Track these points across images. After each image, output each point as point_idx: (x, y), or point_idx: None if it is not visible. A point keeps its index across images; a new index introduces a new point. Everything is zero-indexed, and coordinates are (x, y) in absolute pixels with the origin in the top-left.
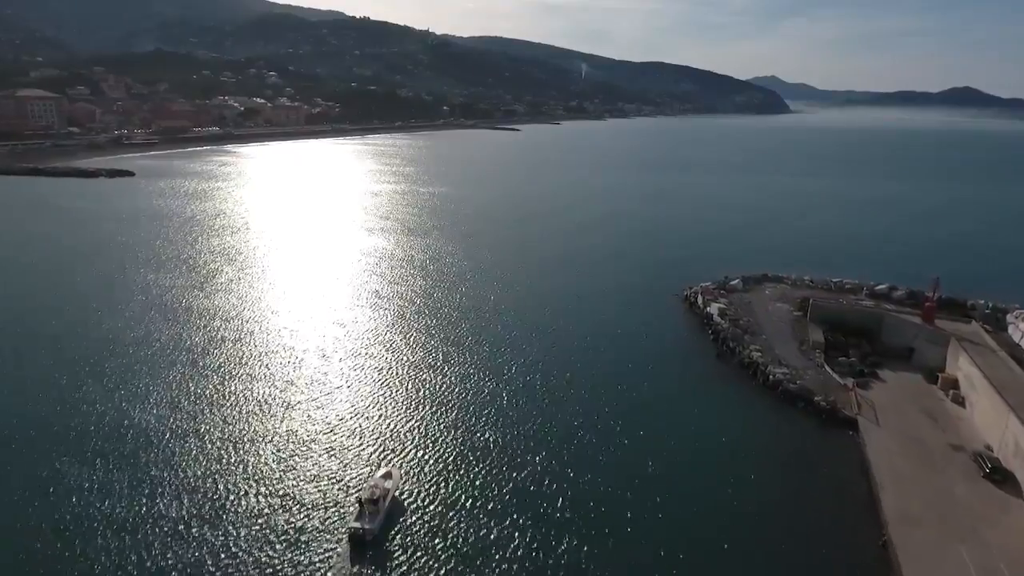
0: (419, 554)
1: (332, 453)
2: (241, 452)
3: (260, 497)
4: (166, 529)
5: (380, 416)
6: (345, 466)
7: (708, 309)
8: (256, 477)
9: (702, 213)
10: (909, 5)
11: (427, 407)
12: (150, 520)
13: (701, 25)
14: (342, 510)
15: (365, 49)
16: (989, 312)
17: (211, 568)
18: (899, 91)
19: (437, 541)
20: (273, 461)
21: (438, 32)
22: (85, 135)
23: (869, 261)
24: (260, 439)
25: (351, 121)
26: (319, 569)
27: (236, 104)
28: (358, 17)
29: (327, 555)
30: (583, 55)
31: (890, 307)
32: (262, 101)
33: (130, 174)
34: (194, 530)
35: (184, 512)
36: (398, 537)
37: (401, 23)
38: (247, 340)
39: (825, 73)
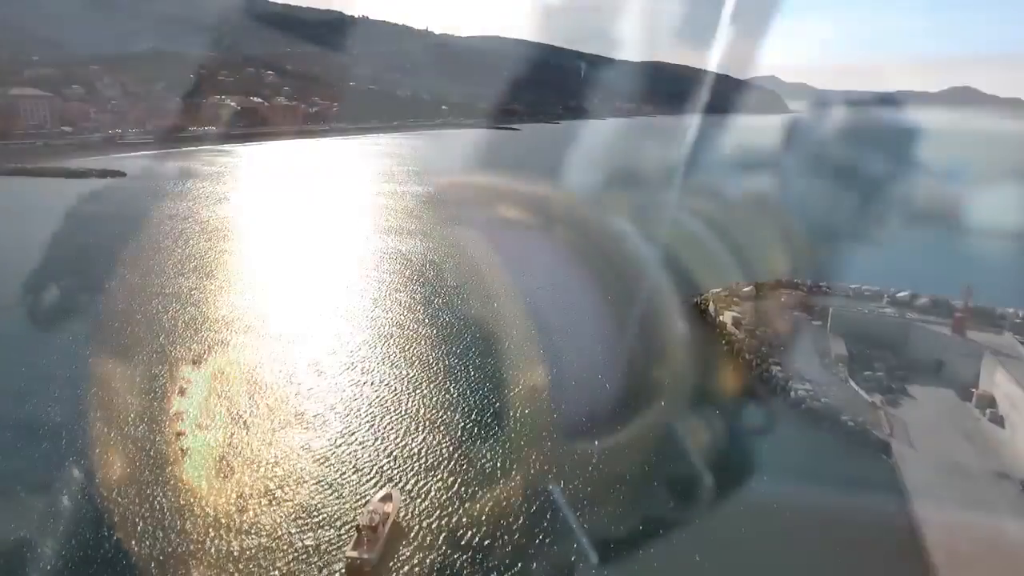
0: None
1: (326, 475)
2: (226, 476)
3: (247, 524)
4: (142, 566)
5: (378, 434)
6: (340, 489)
7: (721, 318)
8: (243, 502)
9: (704, 213)
10: (909, 5)
11: (428, 423)
12: (121, 556)
13: (701, 25)
14: (337, 537)
15: (363, 48)
16: (1020, 321)
17: None
18: (899, 91)
19: (441, 570)
20: (261, 485)
21: (437, 31)
22: (78, 134)
23: (879, 264)
24: (247, 460)
25: (349, 120)
26: None
27: (233, 103)
28: (356, 16)
29: None
30: (583, 55)
31: (914, 316)
32: (259, 100)
33: (121, 174)
34: (177, 561)
35: (166, 543)
36: (399, 566)
37: (400, 22)
38: (236, 352)
39: (825, 73)
